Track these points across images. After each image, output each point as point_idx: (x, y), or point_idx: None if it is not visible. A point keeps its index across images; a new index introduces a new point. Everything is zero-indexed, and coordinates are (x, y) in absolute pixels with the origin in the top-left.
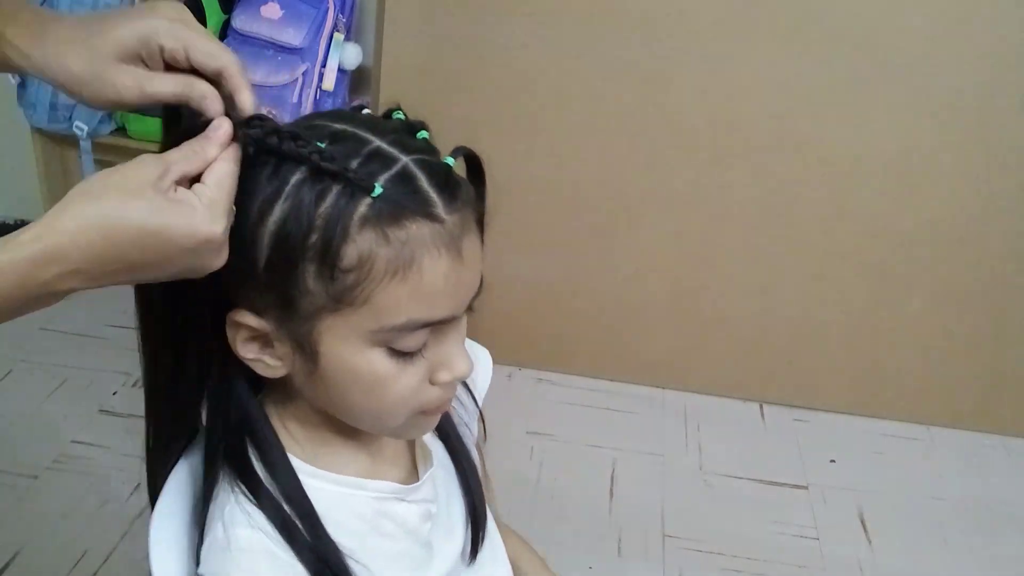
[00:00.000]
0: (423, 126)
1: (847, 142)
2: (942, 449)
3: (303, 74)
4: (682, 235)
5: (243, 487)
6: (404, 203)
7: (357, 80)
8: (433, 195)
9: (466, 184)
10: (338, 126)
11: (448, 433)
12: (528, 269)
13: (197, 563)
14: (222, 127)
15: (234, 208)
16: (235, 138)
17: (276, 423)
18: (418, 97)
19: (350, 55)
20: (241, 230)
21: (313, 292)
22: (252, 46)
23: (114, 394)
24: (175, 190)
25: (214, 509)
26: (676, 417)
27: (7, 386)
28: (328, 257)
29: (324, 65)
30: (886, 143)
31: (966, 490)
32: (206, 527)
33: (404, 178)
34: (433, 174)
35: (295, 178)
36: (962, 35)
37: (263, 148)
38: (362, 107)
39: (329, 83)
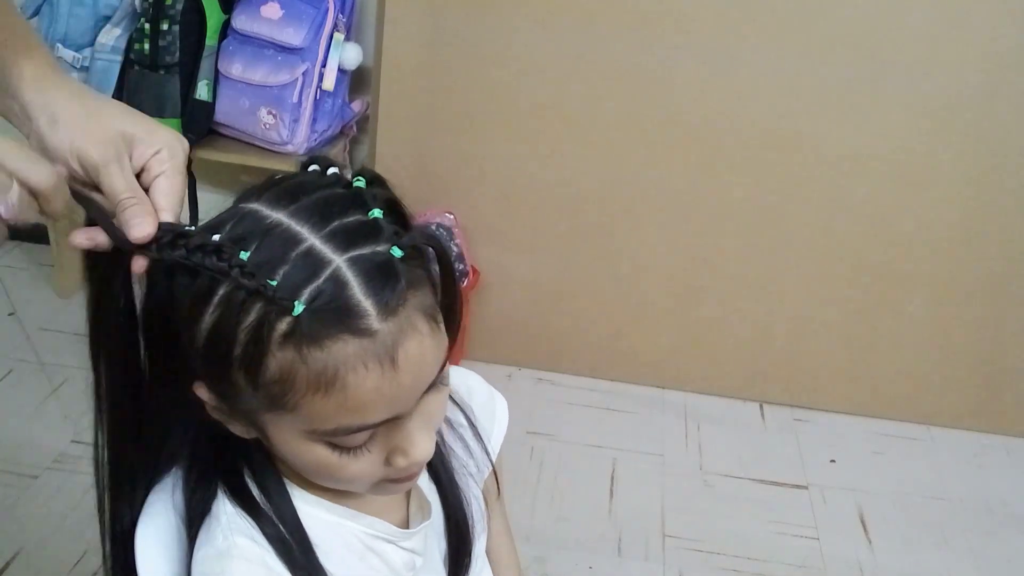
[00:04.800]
0: (379, 200)
1: (847, 142)
2: (942, 449)
3: (303, 74)
4: (682, 235)
5: (239, 504)
6: (327, 320)
7: (357, 80)
8: (365, 304)
9: (415, 275)
10: (273, 217)
11: (444, 485)
12: (528, 269)
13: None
14: (77, 239)
15: (9, 205)
16: (159, 259)
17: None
18: (418, 97)
19: (350, 55)
20: (182, 323)
21: (246, 394)
22: (252, 46)
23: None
24: None
25: (211, 521)
26: (676, 417)
27: (7, 386)
28: (251, 369)
29: (324, 65)
30: (886, 143)
31: (966, 490)
32: (200, 538)
33: (333, 285)
34: (370, 276)
35: (223, 289)
36: (962, 35)
37: (188, 266)
38: (330, 165)
39: (329, 83)
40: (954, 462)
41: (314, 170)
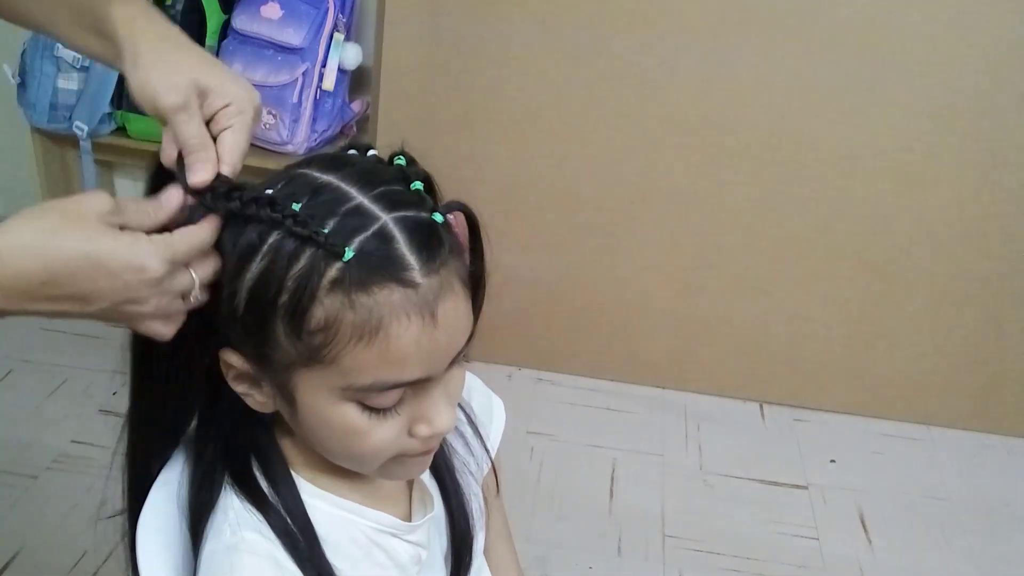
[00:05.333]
0: (420, 175)
1: (847, 142)
2: (942, 449)
3: (303, 74)
4: (682, 235)
5: (246, 496)
6: (375, 268)
7: (357, 80)
8: (410, 258)
9: (453, 242)
10: (324, 178)
11: (446, 481)
12: (528, 269)
13: (195, 569)
14: (173, 200)
15: (199, 291)
16: (213, 208)
17: (282, 443)
18: (418, 97)
19: (350, 55)
20: (224, 278)
21: (284, 348)
22: (252, 46)
23: (114, 394)
24: (119, 228)
25: (218, 515)
26: (676, 417)
27: (7, 386)
28: (296, 318)
29: (324, 65)
30: (886, 143)
31: (966, 490)
32: (207, 532)
33: (380, 239)
34: (414, 234)
35: (272, 238)
36: (962, 35)
37: (242, 217)
38: (369, 148)
39: (329, 83)
40: (954, 462)
41: (353, 153)
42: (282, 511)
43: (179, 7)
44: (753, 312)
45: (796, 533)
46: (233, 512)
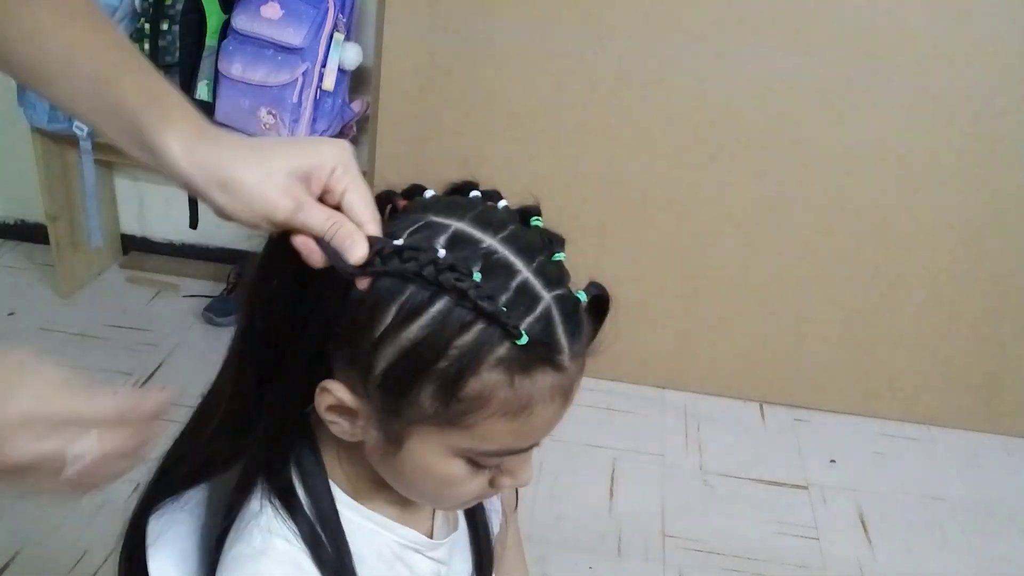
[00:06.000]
0: (560, 244)
1: (847, 142)
2: (942, 449)
3: (303, 74)
4: (682, 235)
5: (280, 504)
6: (539, 354)
7: (357, 80)
8: (564, 342)
9: (588, 322)
10: (488, 243)
11: None
12: None
13: (212, 570)
14: (148, 404)
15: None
16: (387, 273)
17: (325, 450)
18: (418, 97)
19: (350, 55)
20: (369, 328)
21: (422, 406)
22: (252, 46)
23: (114, 394)
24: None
25: (249, 519)
26: (676, 417)
27: None
28: (451, 385)
29: (324, 65)
30: (886, 143)
31: (966, 490)
32: (233, 534)
33: (545, 322)
34: (567, 317)
35: (441, 303)
36: (962, 35)
37: (417, 279)
38: (497, 194)
39: (329, 83)
40: (954, 462)
41: (477, 196)
42: (314, 521)
43: (179, 7)
44: (753, 312)
45: (796, 533)
46: (265, 518)
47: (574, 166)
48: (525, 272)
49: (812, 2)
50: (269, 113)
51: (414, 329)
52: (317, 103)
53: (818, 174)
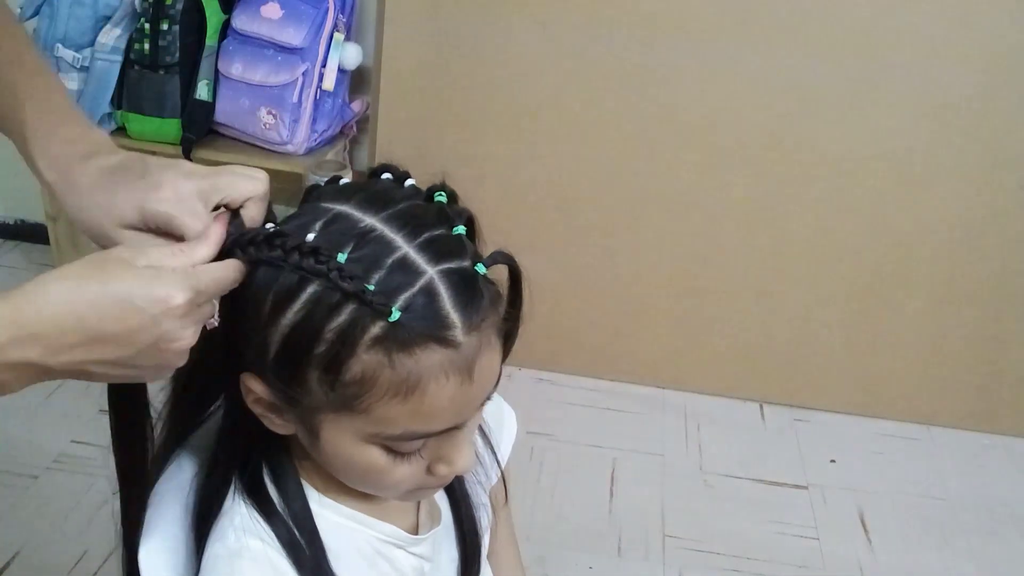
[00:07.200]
0: (462, 216)
1: (847, 142)
2: (942, 449)
3: (303, 74)
4: (682, 235)
5: (254, 504)
6: (418, 330)
7: (357, 80)
8: (453, 316)
9: (492, 293)
10: (367, 222)
11: (456, 492)
12: (528, 269)
13: (196, 571)
14: (213, 229)
15: (217, 317)
16: (255, 259)
17: (295, 452)
18: (418, 97)
19: (350, 55)
20: (256, 318)
21: (314, 393)
22: (252, 46)
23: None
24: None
25: (223, 519)
26: (676, 417)
27: None
28: (331, 370)
29: (324, 65)
30: (885, 143)
31: (966, 490)
32: (211, 536)
33: (426, 296)
34: (458, 289)
35: (312, 288)
36: (962, 35)
37: (284, 266)
38: (406, 175)
39: (329, 83)
40: (954, 462)
41: (387, 179)
42: (289, 521)
43: (179, 7)
44: (753, 312)
45: (796, 533)
46: (240, 518)
47: (574, 166)
48: (405, 247)
49: (812, 2)
50: (269, 113)
51: (289, 316)
52: (317, 103)
53: (818, 174)
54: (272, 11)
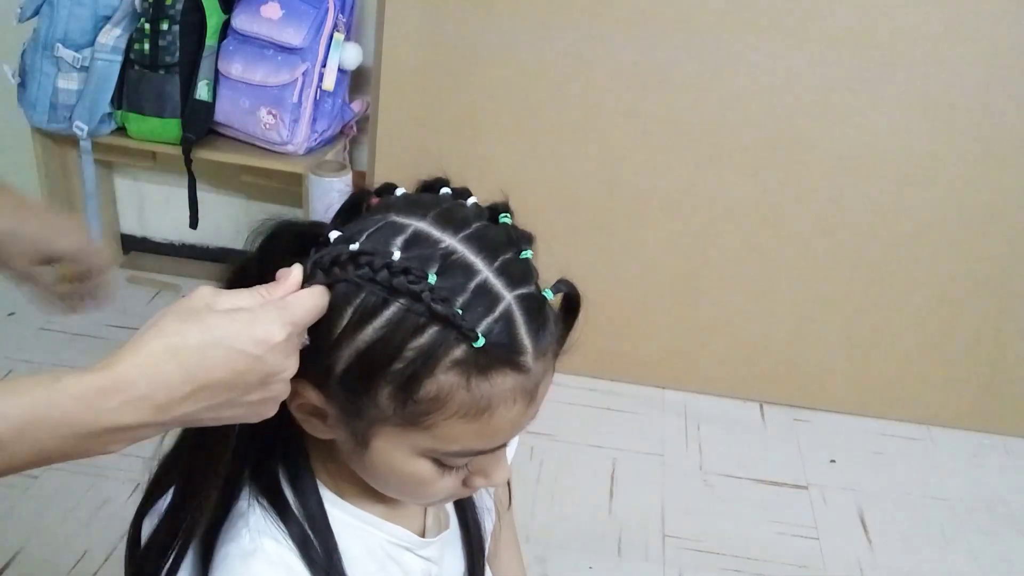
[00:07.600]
0: (528, 242)
1: (847, 142)
2: (942, 449)
3: (303, 74)
4: (682, 235)
5: (268, 503)
6: (496, 355)
7: (357, 80)
8: (526, 342)
9: (555, 318)
10: (447, 242)
11: (463, 498)
12: None
13: (209, 569)
14: (295, 276)
15: (307, 336)
16: (341, 279)
17: (311, 449)
18: (418, 97)
19: (350, 55)
20: (328, 332)
21: (381, 407)
22: (252, 46)
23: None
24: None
25: (237, 519)
26: (676, 417)
27: None
28: (406, 387)
29: (324, 65)
30: (886, 143)
31: (966, 490)
32: (224, 535)
33: (505, 323)
34: (531, 316)
35: (396, 306)
36: (962, 35)
37: (370, 284)
38: (467, 192)
39: (329, 83)
40: (954, 462)
41: (448, 194)
42: (303, 521)
43: (179, 7)
44: (753, 312)
45: (796, 533)
46: (254, 518)
47: (573, 166)
48: (485, 272)
49: (812, 2)
50: (269, 113)
51: (369, 332)
52: (317, 103)
53: (818, 174)
54: (272, 11)
